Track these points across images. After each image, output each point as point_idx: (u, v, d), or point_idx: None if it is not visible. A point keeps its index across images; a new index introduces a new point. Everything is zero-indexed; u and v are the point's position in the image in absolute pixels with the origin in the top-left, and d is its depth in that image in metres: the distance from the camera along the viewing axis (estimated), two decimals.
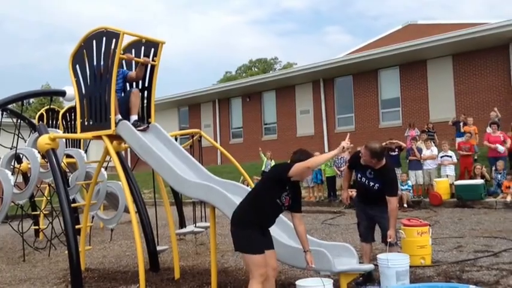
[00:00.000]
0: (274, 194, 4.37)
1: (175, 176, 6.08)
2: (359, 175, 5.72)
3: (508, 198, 11.77)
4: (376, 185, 5.56)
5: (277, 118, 25.54)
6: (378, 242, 6.27)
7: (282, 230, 5.55)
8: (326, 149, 21.53)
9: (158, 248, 7.34)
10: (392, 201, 5.44)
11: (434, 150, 13.89)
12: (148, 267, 7.09)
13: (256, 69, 57.33)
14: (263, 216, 4.39)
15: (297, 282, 4.47)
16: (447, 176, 13.44)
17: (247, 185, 8.11)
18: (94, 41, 6.59)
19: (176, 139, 7.62)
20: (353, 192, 7.30)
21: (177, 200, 8.76)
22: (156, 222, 7.55)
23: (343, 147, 4.40)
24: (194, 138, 8.39)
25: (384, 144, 15.33)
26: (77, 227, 6.83)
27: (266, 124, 26.36)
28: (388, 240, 5.37)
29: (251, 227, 4.30)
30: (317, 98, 23.70)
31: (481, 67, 18.82)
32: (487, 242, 7.90)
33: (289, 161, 4.50)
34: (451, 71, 19.62)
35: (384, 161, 5.53)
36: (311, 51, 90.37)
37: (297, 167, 4.29)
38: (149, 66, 7.00)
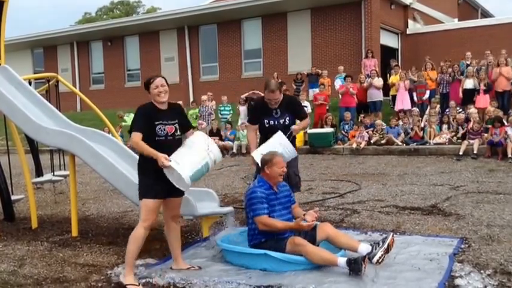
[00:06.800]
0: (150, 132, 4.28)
1: (31, 123, 5.81)
2: (266, 121, 5.50)
3: (354, 145, 13.04)
4: (286, 118, 5.47)
5: (141, 64, 24.82)
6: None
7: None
8: (191, 98, 21.44)
9: (13, 197, 7.00)
10: (307, 120, 5.81)
11: None
12: (3, 217, 6.78)
13: (118, 12, 54.50)
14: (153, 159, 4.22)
15: None
16: None
17: (109, 133, 7.95)
18: None
19: (30, 83, 7.14)
20: None
21: (33, 147, 8.30)
22: (9, 170, 7.15)
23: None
24: (50, 82, 7.95)
25: (246, 94, 15.90)
26: None
27: (129, 70, 25.54)
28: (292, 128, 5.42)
29: (146, 173, 4.29)
30: (182, 45, 23.44)
31: (336, 22, 20.00)
32: (334, 185, 8.78)
33: None
34: (309, 24, 20.58)
35: (281, 94, 5.52)
36: None
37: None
38: None
